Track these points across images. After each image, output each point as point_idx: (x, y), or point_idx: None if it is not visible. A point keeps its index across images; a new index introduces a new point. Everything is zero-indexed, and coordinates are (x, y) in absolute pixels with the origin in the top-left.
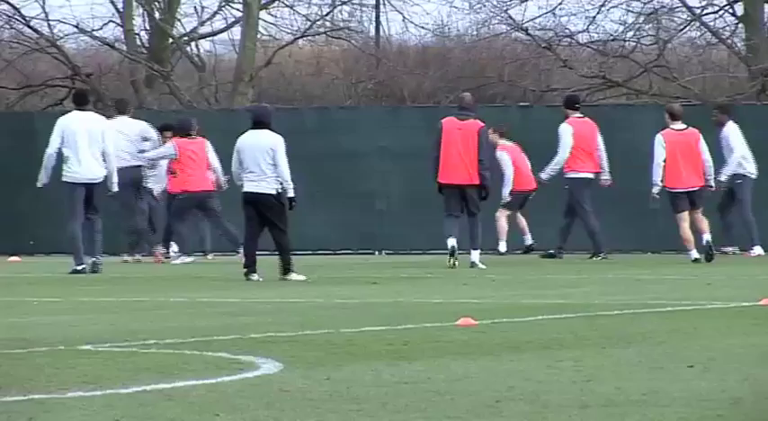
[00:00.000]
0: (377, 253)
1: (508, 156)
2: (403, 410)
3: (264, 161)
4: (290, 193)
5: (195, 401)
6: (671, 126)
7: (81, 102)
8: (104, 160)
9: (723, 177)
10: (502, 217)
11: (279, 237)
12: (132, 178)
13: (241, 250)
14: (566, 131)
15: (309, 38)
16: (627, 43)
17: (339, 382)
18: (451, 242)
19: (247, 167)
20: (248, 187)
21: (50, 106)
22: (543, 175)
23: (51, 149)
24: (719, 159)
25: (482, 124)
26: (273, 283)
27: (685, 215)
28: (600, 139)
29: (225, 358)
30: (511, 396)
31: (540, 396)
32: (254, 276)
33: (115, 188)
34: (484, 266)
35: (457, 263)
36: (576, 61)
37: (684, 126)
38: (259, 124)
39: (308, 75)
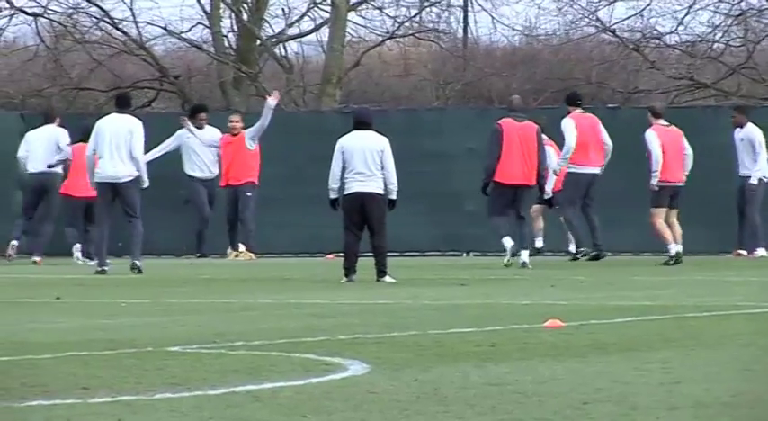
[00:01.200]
0: (464, 254)
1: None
2: (490, 412)
3: (374, 162)
4: (394, 196)
5: (283, 403)
6: (656, 123)
7: (122, 104)
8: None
9: (754, 180)
10: (538, 215)
11: (378, 240)
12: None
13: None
14: (569, 125)
15: (397, 39)
16: (715, 45)
17: (426, 384)
18: (509, 241)
19: (354, 168)
20: (355, 187)
21: (139, 108)
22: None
23: (88, 151)
24: (735, 159)
25: (537, 125)
26: (360, 285)
27: (662, 211)
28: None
29: (312, 359)
30: (598, 398)
31: (627, 398)
32: (354, 277)
33: (145, 185)
34: (531, 267)
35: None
36: (663, 63)
37: (668, 123)
38: (363, 125)
39: (396, 76)
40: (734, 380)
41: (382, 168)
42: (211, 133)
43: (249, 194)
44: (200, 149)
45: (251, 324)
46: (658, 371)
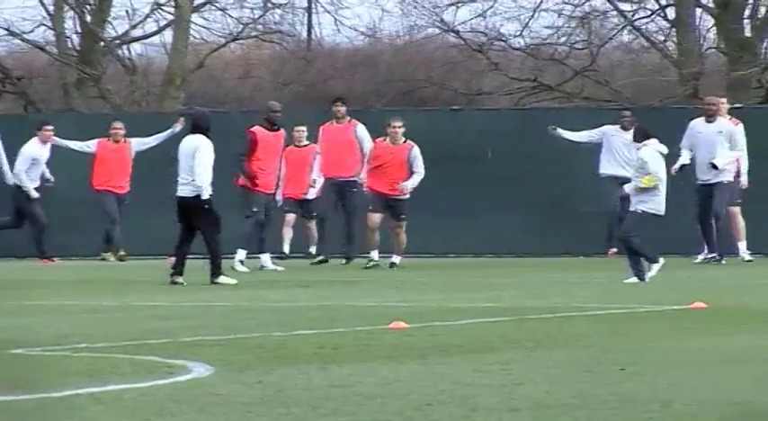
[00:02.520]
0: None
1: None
2: (333, 414)
3: (187, 166)
4: (204, 196)
5: (127, 405)
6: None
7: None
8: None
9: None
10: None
11: (207, 242)
12: None
13: None
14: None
15: (240, 41)
16: (560, 47)
17: (269, 386)
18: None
19: (179, 173)
20: (177, 192)
21: None
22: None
23: None
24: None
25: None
26: (203, 287)
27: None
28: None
29: (156, 362)
30: (440, 399)
31: (469, 399)
32: (178, 279)
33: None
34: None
35: None
36: (508, 65)
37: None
38: (195, 128)
39: (238, 78)
40: (575, 381)
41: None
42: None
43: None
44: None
45: (94, 326)
46: (499, 372)
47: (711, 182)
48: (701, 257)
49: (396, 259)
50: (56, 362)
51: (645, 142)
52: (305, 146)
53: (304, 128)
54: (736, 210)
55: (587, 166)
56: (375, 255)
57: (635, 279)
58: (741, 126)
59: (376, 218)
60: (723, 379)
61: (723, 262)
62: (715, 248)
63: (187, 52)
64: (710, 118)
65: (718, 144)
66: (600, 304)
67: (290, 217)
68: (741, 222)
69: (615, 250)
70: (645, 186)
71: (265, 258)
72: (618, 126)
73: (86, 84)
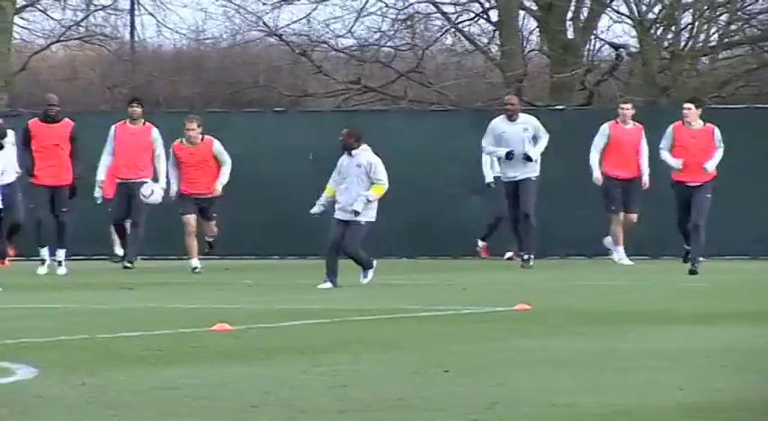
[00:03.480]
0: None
1: None
2: (160, 416)
3: None
4: None
5: None
6: None
7: None
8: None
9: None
10: None
11: None
12: None
13: None
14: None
15: (64, 43)
16: (385, 50)
17: (95, 388)
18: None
19: None
20: None
21: None
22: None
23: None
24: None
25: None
26: (25, 289)
27: None
28: None
29: None
30: (267, 401)
31: (296, 401)
32: None
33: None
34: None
35: None
36: (334, 67)
37: None
38: None
39: (64, 80)
40: (401, 382)
41: None
42: None
43: None
44: None
45: None
46: (326, 374)
47: (517, 179)
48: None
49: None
50: None
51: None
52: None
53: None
54: (633, 216)
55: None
56: (195, 262)
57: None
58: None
59: (192, 219)
60: (546, 379)
61: (531, 263)
62: (525, 247)
63: (10, 54)
64: (512, 117)
65: (526, 140)
66: (425, 306)
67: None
68: (619, 228)
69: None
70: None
71: (44, 252)
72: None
73: None
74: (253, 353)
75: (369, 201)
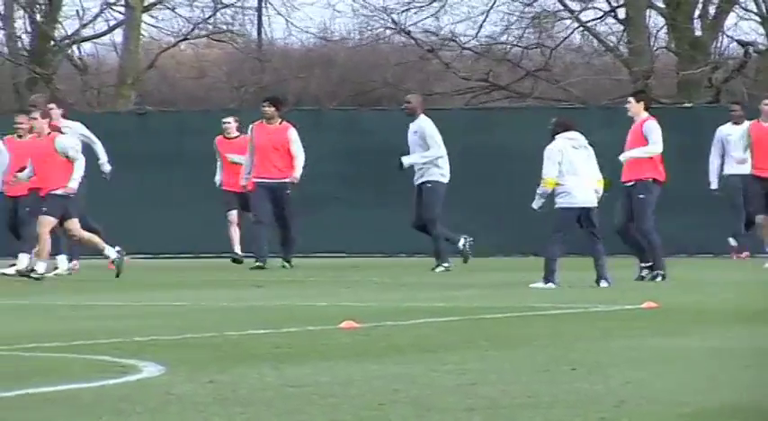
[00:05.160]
0: None
1: None
2: (287, 413)
3: None
4: None
5: (79, 405)
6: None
7: None
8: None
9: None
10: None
11: None
12: None
13: None
14: None
15: (191, 41)
16: (513, 48)
17: (223, 385)
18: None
19: None
20: None
21: None
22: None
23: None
24: None
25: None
26: (157, 286)
27: None
28: None
29: (108, 361)
30: (395, 399)
31: (423, 399)
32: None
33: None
34: None
35: None
36: (461, 64)
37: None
38: None
39: (191, 78)
40: (529, 381)
41: None
42: None
43: None
44: None
45: (46, 325)
46: (454, 372)
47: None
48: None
49: None
50: (7, 362)
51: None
52: (235, 137)
53: (231, 118)
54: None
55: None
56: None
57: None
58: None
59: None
60: (675, 378)
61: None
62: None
63: (139, 52)
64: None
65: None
66: (555, 304)
67: (233, 214)
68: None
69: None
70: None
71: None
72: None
73: (38, 83)
74: (380, 351)
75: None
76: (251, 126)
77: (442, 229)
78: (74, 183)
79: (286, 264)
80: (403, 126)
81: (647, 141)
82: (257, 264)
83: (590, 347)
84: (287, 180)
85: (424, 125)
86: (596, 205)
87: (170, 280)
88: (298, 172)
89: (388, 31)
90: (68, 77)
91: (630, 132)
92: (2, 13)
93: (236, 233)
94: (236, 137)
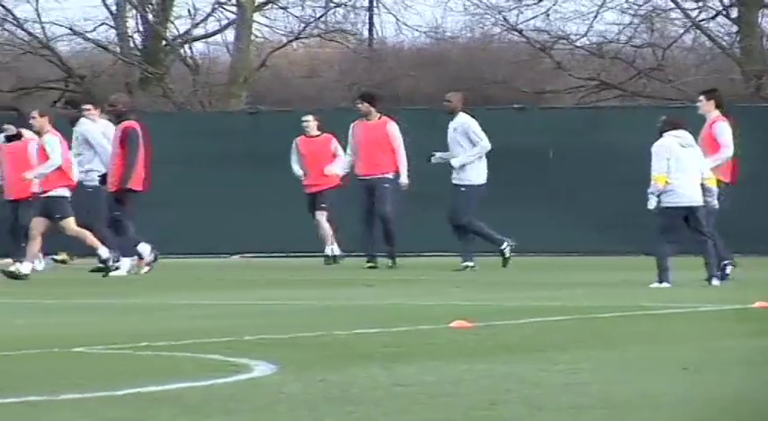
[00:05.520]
0: None
1: None
2: (397, 412)
3: None
4: None
5: (189, 404)
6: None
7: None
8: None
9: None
10: None
11: None
12: None
13: None
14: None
15: (303, 40)
16: (624, 46)
17: (334, 384)
18: None
19: None
20: None
21: None
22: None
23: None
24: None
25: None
26: (268, 285)
27: None
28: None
29: (218, 360)
30: (505, 398)
31: (534, 398)
32: None
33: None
34: None
35: None
36: (573, 63)
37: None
38: None
39: (303, 77)
40: (638, 380)
41: None
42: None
43: None
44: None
45: (157, 324)
46: (564, 371)
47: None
48: None
49: None
50: (118, 361)
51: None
52: (317, 136)
53: (310, 117)
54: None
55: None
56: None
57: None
58: None
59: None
60: None
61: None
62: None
63: (250, 51)
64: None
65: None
66: (665, 303)
67: (320, 215)
68: None
69: None
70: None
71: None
72: None
73: (150, 83)
74: (490, 350)
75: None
76: (351, 125)
77: (479, 228)
78: (30, 175)
79: (390, 262)
80: (516, 125)
81: (718, 143)
82: (369, 264)
83: (700, 347)
84: (387, 175)
85: (466, 122)
86: (702, 204)
87: (280, 278)
88: (403, 170)
89: (498, 29)
90: (180, 77)
91: (702, 132)
92: (114, 12)
93: (326, 231)
94: (317, 135)
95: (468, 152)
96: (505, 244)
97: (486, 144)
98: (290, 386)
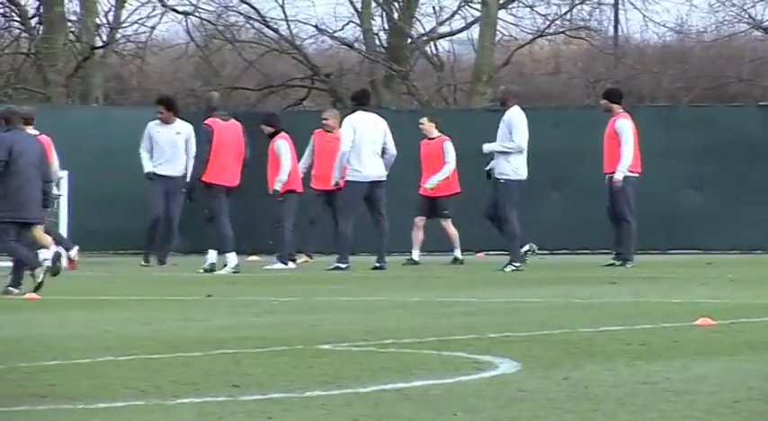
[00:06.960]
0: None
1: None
2: (640, 410)
3: None
4: None
5: (433, 401)
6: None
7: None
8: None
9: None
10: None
11: None
12: None
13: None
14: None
15: (548, 37)
16: None
17: (576, 382)
18: None
19: None
20: None
21: (290, 106)
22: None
23: (346, 148)
24: None
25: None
26: (508, 283)
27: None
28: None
29: (463, 358)
30: (750, 396)
31: None
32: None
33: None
34: None
35: None
36: None
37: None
38: None
39: (546, 74)
40: None
41: None
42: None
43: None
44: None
45: (401, 322)
46: None
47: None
48: None
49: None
50: (363, 358)
51: None
52: (433, 139)
53: (425, 119)
54: None
55: None
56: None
57: None
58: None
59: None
60: None
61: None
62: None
63: (494, 49)
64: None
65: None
66: None
67: (419, 219)
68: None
69: None
70: None
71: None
72: None
73: (394, 80)
74: (736, 348)
75: None
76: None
77: (513, 230)
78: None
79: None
80: (760, 123)
81: None
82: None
83: None
84: (633, 174)
85: (512, 116)
86: None
87: (522, 276)
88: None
89: (744, 26)
90: (424, 74)
91: None
92: (359, 11)
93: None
94: (434, 138)
95: (501, 143)
96: (527, 247)
97: (520, 144)
98: (533, 383)
